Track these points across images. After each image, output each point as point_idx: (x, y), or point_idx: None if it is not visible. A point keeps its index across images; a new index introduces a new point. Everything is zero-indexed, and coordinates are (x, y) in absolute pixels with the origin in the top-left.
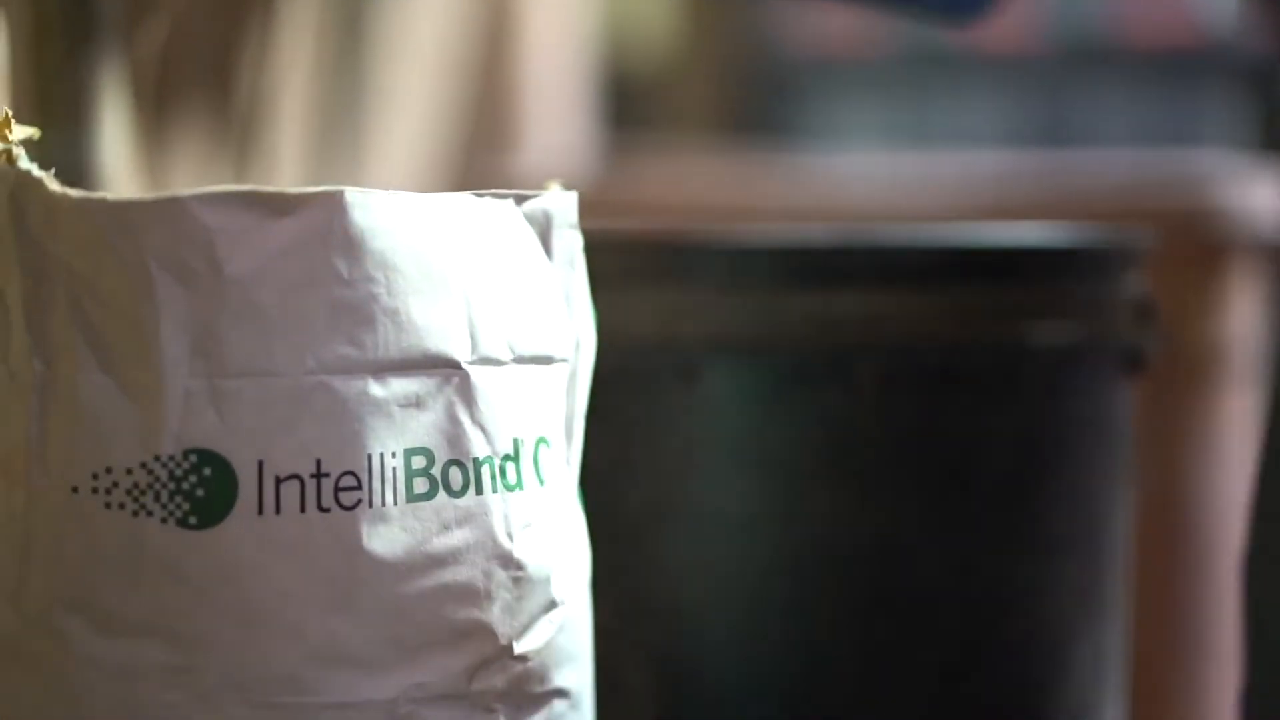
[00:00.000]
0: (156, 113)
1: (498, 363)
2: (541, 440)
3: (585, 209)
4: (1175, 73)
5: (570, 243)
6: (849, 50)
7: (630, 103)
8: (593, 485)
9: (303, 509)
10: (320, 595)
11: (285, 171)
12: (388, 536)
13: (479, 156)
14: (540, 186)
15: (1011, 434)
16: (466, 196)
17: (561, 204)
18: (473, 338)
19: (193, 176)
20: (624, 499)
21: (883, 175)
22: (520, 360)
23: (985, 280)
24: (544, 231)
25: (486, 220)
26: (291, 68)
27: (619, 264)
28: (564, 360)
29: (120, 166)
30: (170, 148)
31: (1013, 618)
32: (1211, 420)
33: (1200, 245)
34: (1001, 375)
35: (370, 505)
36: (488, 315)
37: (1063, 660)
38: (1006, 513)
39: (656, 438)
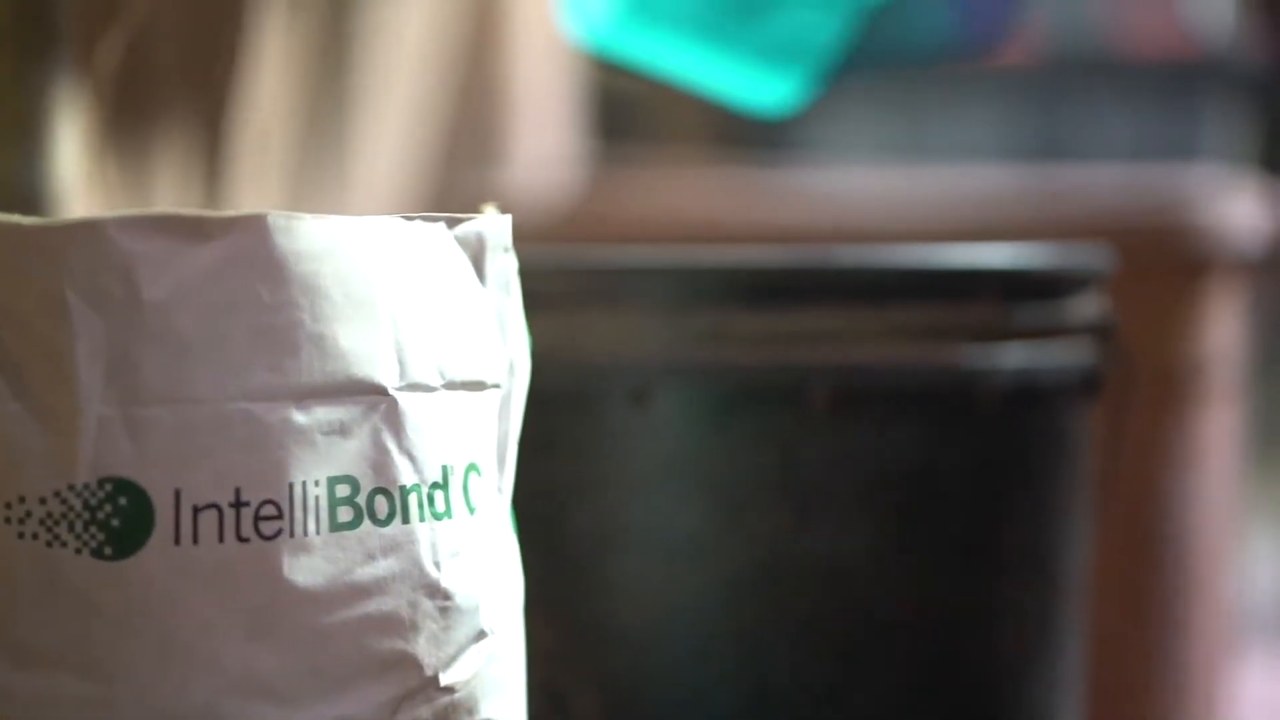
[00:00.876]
0: (121, 128)
1: (427, 388)
2: (472, 467)
3: (574, 223)
4: (1173, 84)
5: (504, 266)
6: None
7: (620, 116)
8: (543, 508)
9: (221, 539)
10: (240, 627)
11: (267, 185)
12: (310, 566)
13: (467, 169)
14: (528, 199)
15: (966, 456)
16: (396, 220)
17: (495, 227)
18: (401, 363)
19: (166, 193)
20: (574, 522)
21: (874, 191)
22: (450, 386)
23: (939, 301)
24: (477, 255)
25: (417, 244)
26: (274, 79)
27: (570, 286)
28: (496, 385)
29: (76, 185)
30: (141, 164)
31: (966, 642)
32: (1192, 435)
33: (1182, 261)
34: (955, 397)
35: (292, 535)
36: (417, 340)
37: (1018, 685)
38: (960, 536)
39: (607, 461)
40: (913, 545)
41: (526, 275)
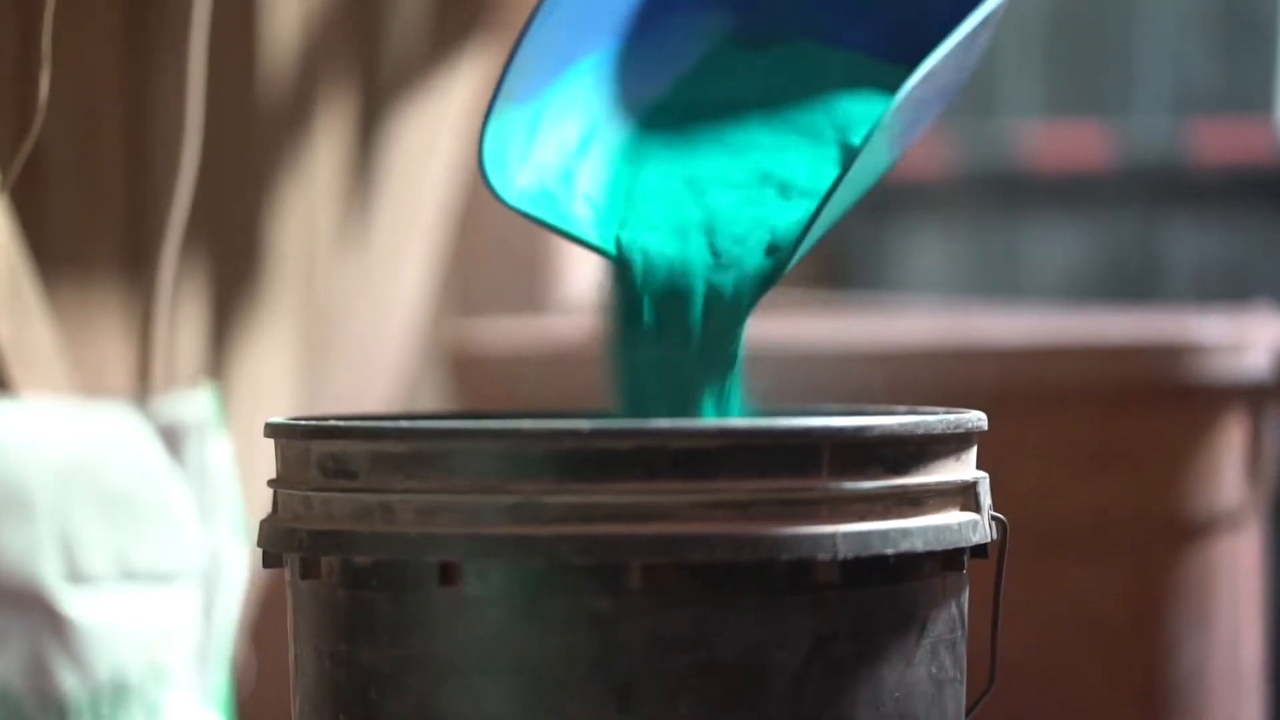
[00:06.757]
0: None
1: (99, 586)
2: (158, 668)
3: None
4: (1255, 196)
5: (208, 449)
6: (907, 173)
7: None
8: (352, 693)
9: None
10: None
11: (280, 334)
12: None
13: (508, 314)
14: (577, 346)
15: (803, 635)
16: (72, 404)
17: (197, 408)
18: (66, 560)
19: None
20: (385, 708)
21: (919, 338)
22: (130, 581)
23: (767, 470)
24: (174, 438)
25: (96, 429)
26: (301, 216)
27: (379, 454)
28: (193, 577)
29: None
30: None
31: None
32: (1211, 574)
33: (1192, 400)
34: (789, 571)
35: None
36: (88, 534)
37: None
38: None
39: (417, 641)
40: None
41: (335, 442)
